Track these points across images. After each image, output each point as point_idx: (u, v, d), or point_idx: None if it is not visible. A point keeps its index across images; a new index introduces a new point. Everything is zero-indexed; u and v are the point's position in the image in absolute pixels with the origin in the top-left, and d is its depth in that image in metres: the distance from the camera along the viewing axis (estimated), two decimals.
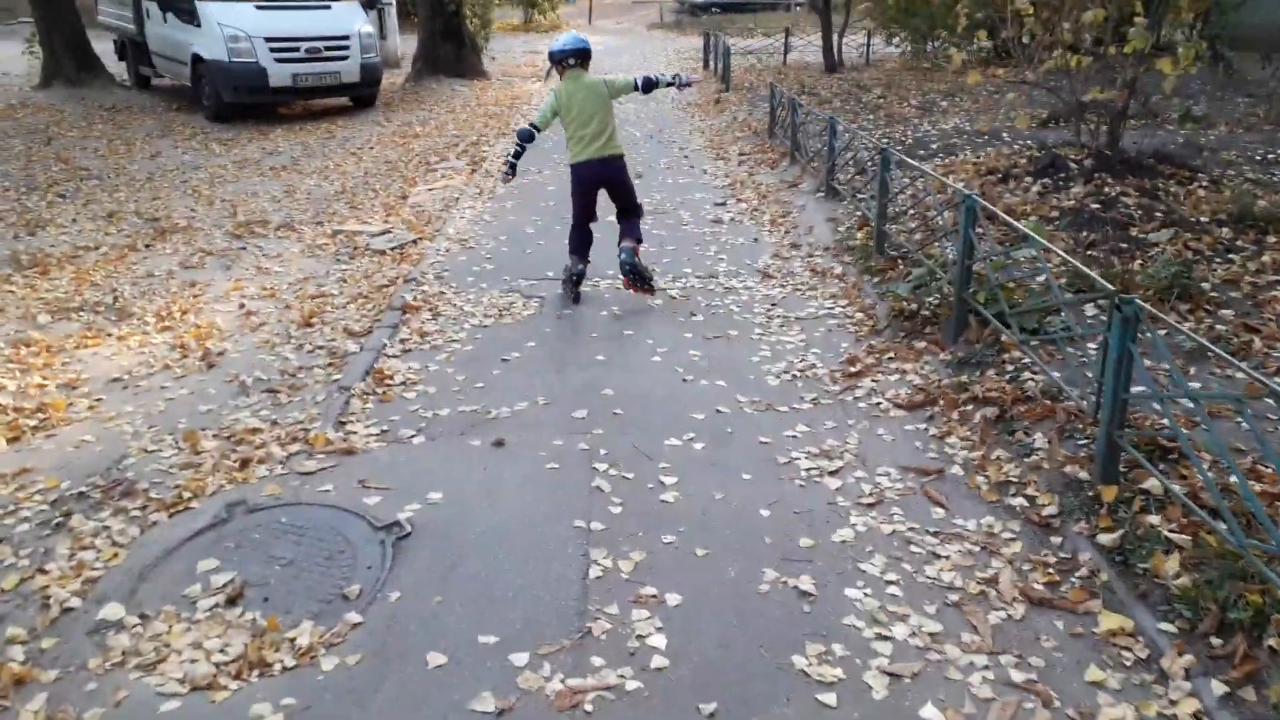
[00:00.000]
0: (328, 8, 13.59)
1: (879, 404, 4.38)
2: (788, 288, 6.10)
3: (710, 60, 18.72)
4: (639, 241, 5.77)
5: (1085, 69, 6.63)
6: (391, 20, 19.50)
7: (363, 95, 14.23)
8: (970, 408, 4.20)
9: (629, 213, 5.80)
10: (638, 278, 5.76)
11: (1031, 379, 4.25)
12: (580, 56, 5.63)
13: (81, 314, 5.87)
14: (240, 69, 12.59)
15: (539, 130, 5.58)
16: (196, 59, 13.02)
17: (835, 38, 17.07)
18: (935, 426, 4.13)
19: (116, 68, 16.55)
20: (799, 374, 4.73)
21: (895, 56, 19.20)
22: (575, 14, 36.69)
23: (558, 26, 30.68)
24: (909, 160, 6.20)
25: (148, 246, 7.49)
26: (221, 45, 12.51)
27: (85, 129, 12.70)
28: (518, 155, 5.64)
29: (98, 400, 4.55)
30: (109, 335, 5.48)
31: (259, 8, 12.95)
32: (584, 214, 5.75)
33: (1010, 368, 4.41)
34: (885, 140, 9.41)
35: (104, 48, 17.00)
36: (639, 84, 5.67)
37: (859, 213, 7.17)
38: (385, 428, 4.17)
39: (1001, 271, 5.04)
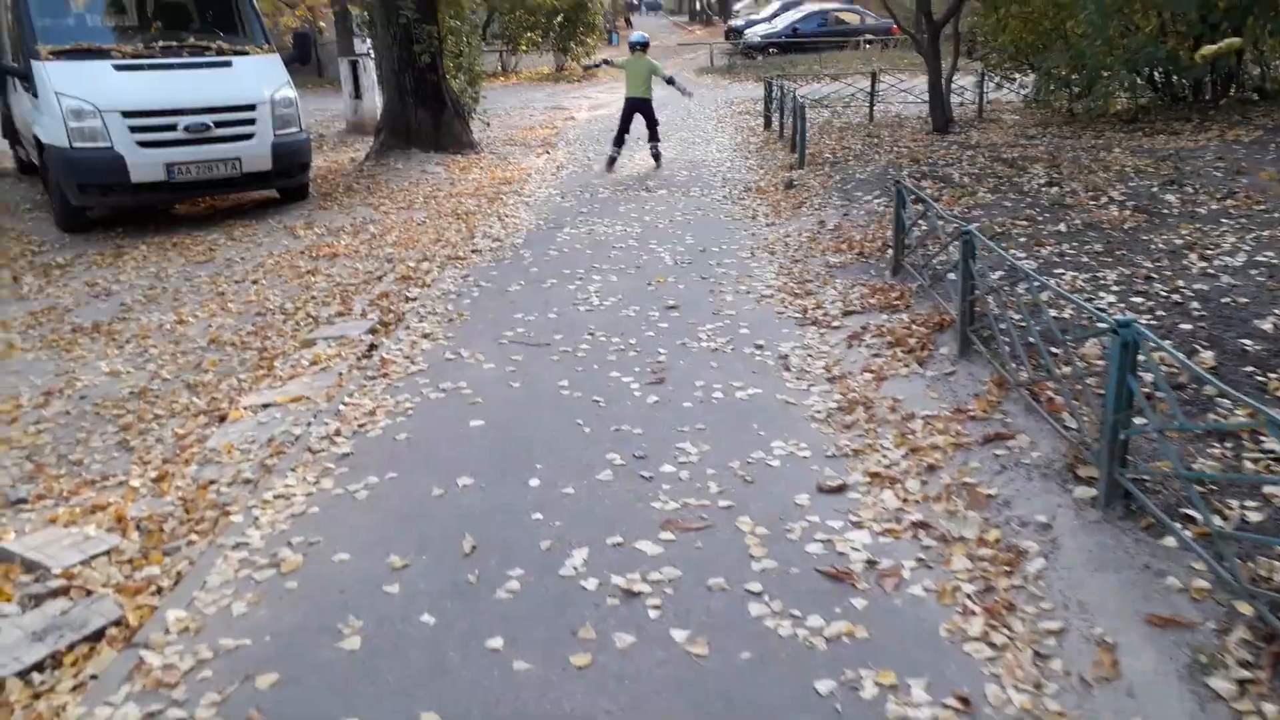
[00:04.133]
0: (228, 64, 9.40)
1: None
2: None
3: (773, 118, 14.22)
4: (658, 140, 11.69)
5: None
6: (369, 76, 15.55)
7: (283, 188, 10.08)
8: None
9: (652, 127, 11.49)
10: (659, 158, 11.67)
11: None
12: (643, 47, 11.48)
13: None
14: (86, 158, 8.50)
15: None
16: (38, 143, 9.05)
17: (944, 84, 12.61)
18: None
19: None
20: None
21: (1015, 104, 14.70)
22: (615, 58, 32.65)
23: (594, 74, 26.68)
24: None
25: None
26: (60, 124, 8.48)
27: None
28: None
29: None
30: None
31: (118, 67, 8.85)
32: (623, 125, 11.45)
33: None
34: (1144, 305, 4.86)
35: None
36: (670, 78, 11.47)
37: (1236, 596, 2.62)
38: None
39: None
